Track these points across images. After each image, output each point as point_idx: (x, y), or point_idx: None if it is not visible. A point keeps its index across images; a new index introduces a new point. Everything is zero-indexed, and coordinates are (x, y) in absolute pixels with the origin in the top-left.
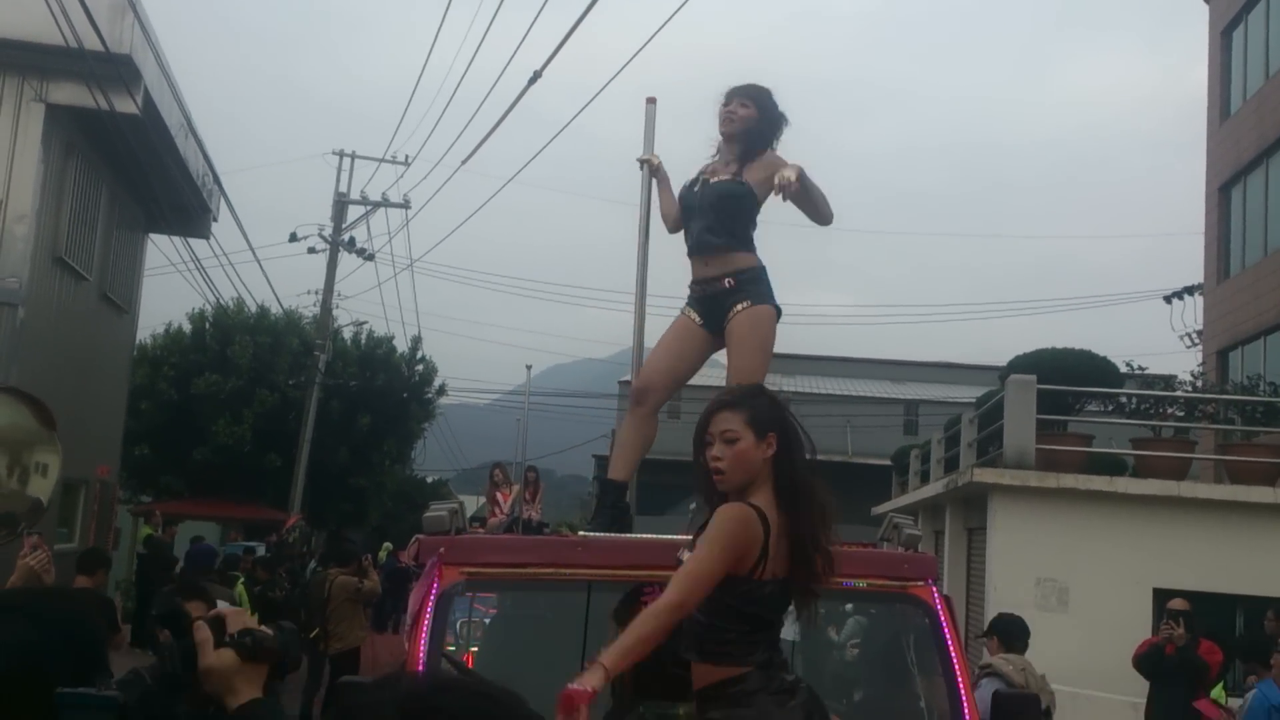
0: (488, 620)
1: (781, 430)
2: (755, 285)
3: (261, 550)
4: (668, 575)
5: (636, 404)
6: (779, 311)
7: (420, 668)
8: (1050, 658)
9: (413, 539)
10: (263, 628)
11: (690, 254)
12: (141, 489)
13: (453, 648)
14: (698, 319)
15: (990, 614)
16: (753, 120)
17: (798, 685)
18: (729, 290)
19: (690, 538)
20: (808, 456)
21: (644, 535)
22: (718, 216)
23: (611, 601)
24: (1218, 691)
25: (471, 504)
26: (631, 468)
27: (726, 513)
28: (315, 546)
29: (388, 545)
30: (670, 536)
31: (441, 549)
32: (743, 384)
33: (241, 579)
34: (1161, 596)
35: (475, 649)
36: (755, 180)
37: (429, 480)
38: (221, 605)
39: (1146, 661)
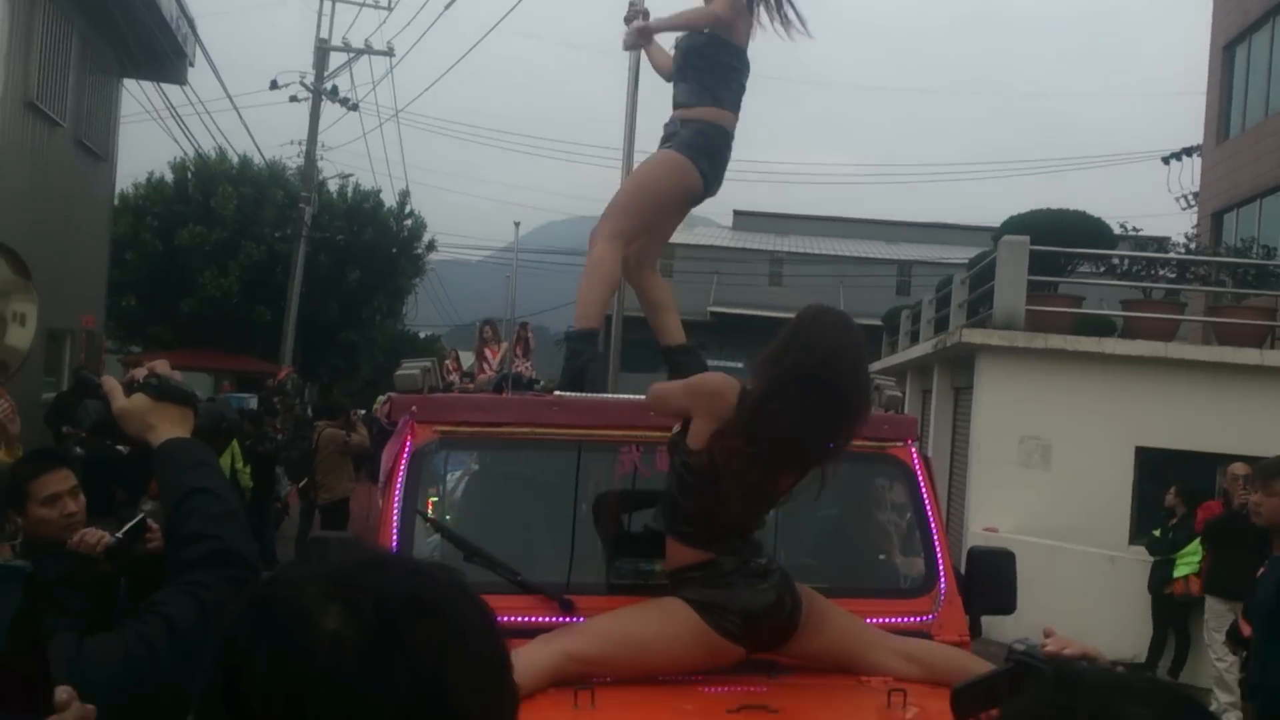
0: (462, 479)
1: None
2: (684, 134)
3: (253, 403)
4: (644, 434)
5: (616, 237)
6: (701, 171)
7: (394, 529)
8: (1031, 513)
9: (385, 397)
10: (181, 381)
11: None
12: (130, 339)
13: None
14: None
15: (975, 471)
16: None
17: (770, 568)
18: (664, 138)
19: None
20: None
21: (621, 395)
22: (683, 72)
23: (586, 461)
24: (1194, 547)
25: (467, 359)
26: (603, 310)
27: (704, 377)
28: (310, 398)
29: (381, 399)
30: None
31: (413, 407)
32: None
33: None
34: (1143, 455)
35: (449, 508)
36: (713, 16)
37: (422, 336)
38: (155, 362)
39: (1221, 528)
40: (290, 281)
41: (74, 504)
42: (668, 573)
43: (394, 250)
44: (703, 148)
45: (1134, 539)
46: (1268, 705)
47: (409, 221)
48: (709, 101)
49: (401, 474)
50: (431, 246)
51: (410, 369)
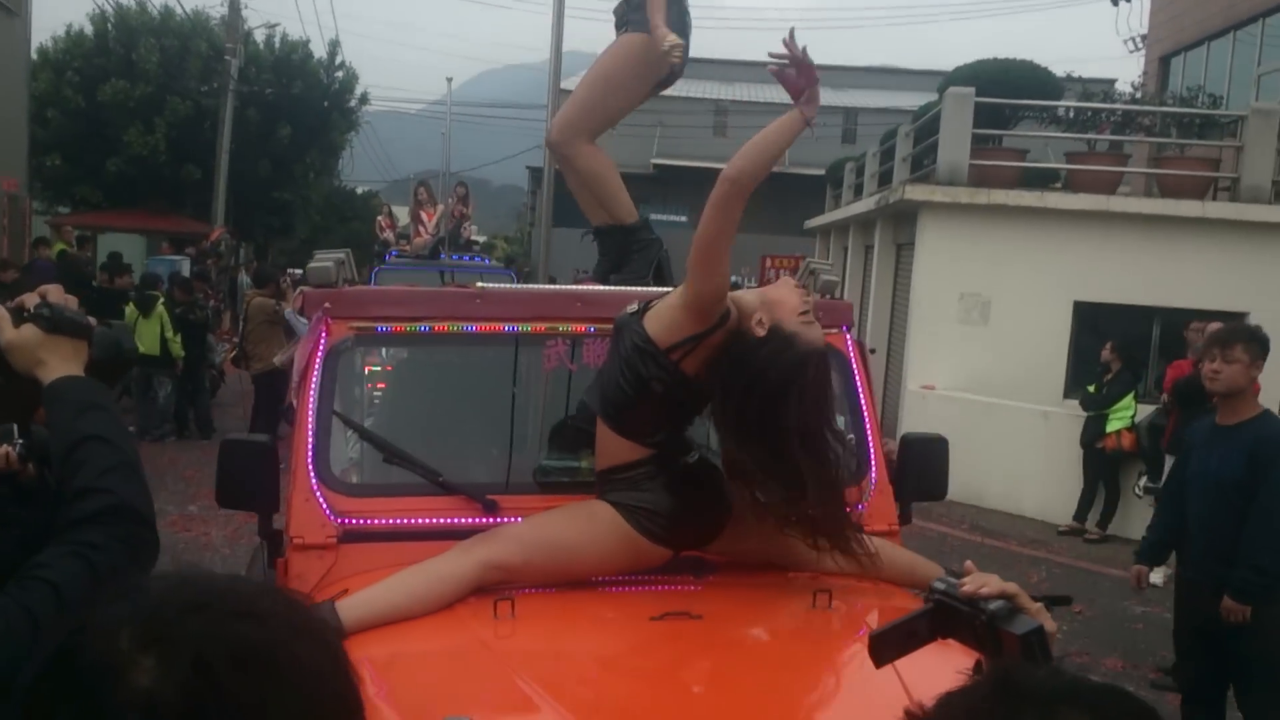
0: (380, 377)
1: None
2: (641, 13)
3: (187, 267)
4: (570, 327)
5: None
6: (671, 45)
7: (309, 431)
8: (969, 370)
9: (297, 291)
10: (76, 310)
11: None
12: (57, 200)
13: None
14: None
15: (914, 329)
16: None
17: (698, 467)
18: (619, 23)
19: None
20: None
21: (545, 286)
22: None
23: (510, 355)
24: (1127, 401)
25: (402, 214)
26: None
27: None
28: (243, 259)
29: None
30: (581, 288)
31: (327, 303)
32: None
33: (161, 299)
34: (1081, 309)
35: (368, 408)
36: None
37: (358, 191)
38: (47, 286)
39: (1190, 388)
40: (218, 138)
41: None
42: (597, 472)
43: (325, 104)
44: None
45: (1069, 393)
46: (1249, 583)
47: (340, 74)
48: None
49: (316, 373)
50: (364, 99)
51: (324, 260)
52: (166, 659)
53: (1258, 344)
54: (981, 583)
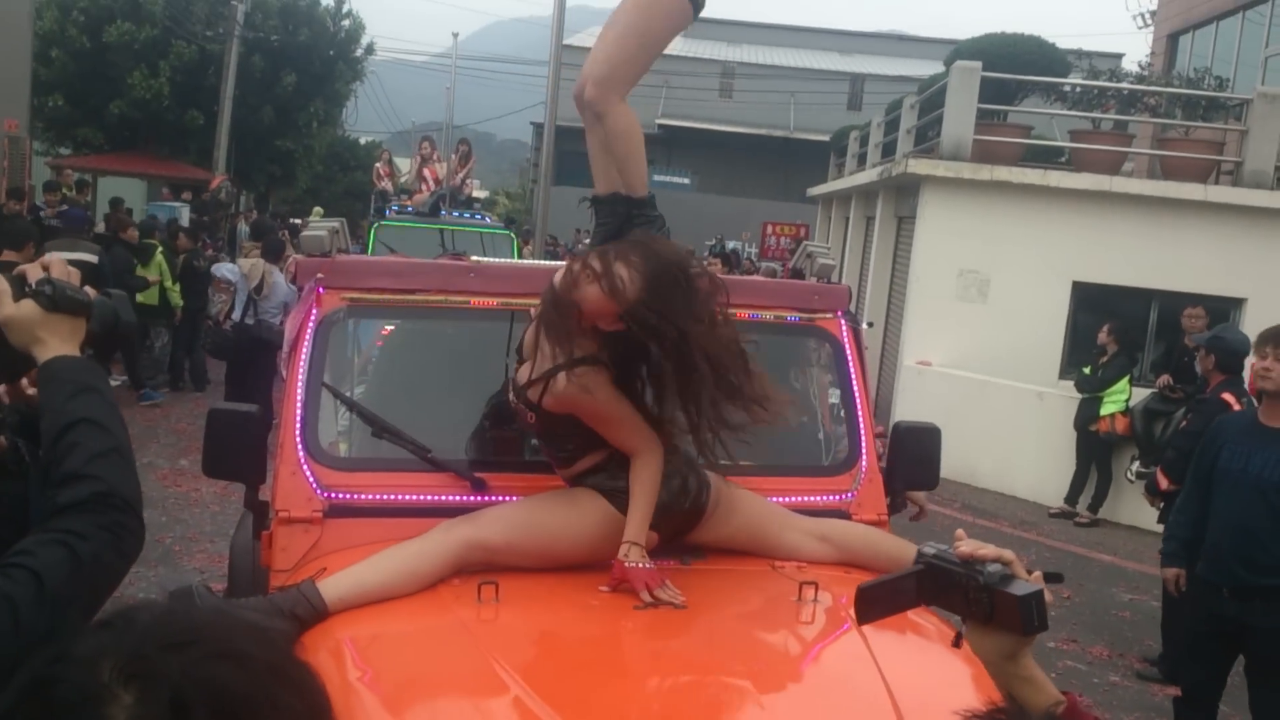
0: (372, 349)
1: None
2: None
3: (185, 215)
4: None
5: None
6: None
7: (298, 402)
8: (965, 347)
9: (289, 259)
10: (77, 286)
11: None
12: (59, 142)
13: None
14: None
15: (912, 304)
16: None
17: (672, 455)
18: None
19: None
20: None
21: (539, 263)
22: None
23: (503, 331)
24: (1122, 385)
25: (403, 164)
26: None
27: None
28: (244, 207)
29: (319, 210)
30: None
31: (320, 273)
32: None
33: (160, 248)
34: (1080, 289)
35: (358, 380)
36: None
37: (362, 141)
38: (51, 257)
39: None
40: (222, 84)
41: None
42: (568, 480)
43: (331, 53)
44: None
45: (1065, 374)
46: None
47: (346, 22)
48: None
49: (307, 343)
50: (370, 50)
51: (318, 229)
52: (145, 696)
53: None
54: (977, 547)
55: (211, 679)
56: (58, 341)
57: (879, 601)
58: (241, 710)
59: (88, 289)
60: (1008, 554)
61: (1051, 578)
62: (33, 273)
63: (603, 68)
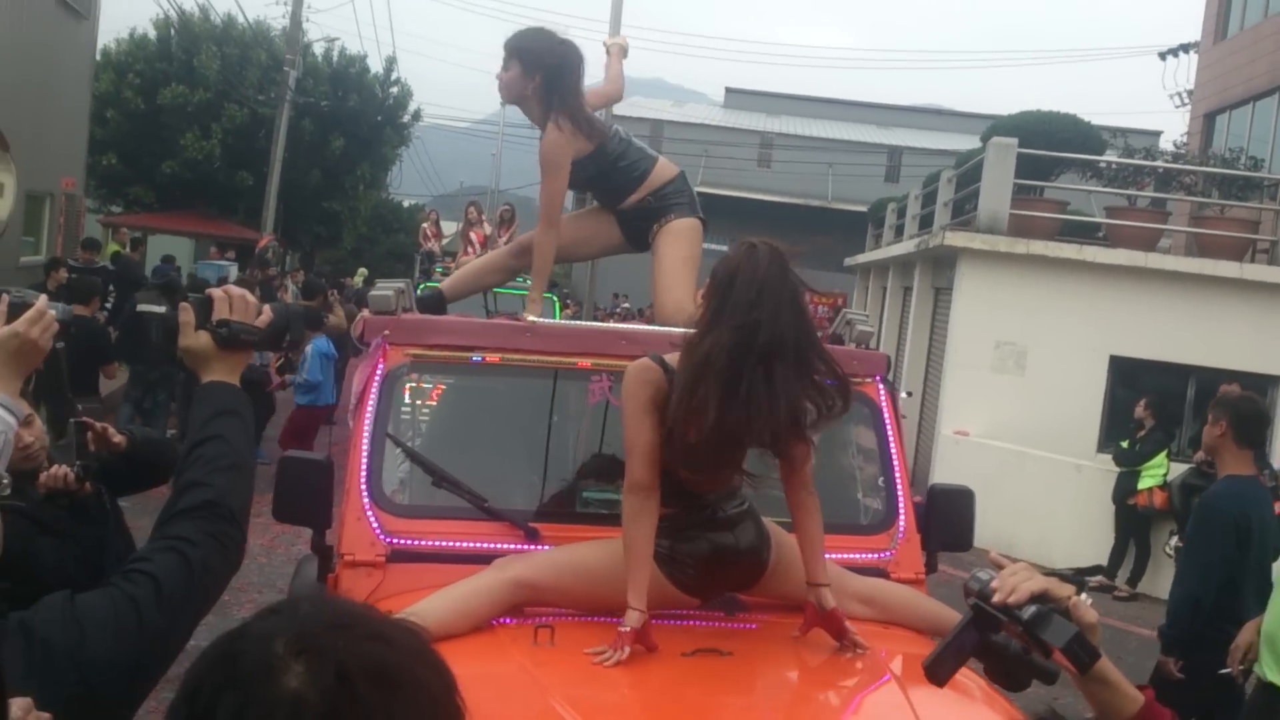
0: (435, 404)
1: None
2: (680, 196)
3: (234, 272)
4: (615, 363)
5: (519, 253)
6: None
7: (363, 453)
8: (1003, 418)
9: (358, 317)
10: (250, 321)
11: None
12: (110, 199)
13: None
14: (618, 230)
15: (949, 374)
16: (518, 82)
17: (740, 515)
18: (650, 208)
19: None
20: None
21: (593, 324)
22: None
23: (558, 387)
24: (1160, 460)
25: (448, 227)
26: (465, 292)
27: (627, 372)
28: (289, 267)
29: (363, 271)
30: (625, 327)
31: (387, 330)
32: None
33: None
34: (1117, 364)
35: (420, 433)
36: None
37: (405, 205)
38: (235, 289)
39: None
40: (273, 147)
41: (29, 435)
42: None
43: (379, 118)
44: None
45: (1103, 447)
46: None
47: (395, 89)
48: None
49: (373, 397)
50: (417, 116)
51: (384, 290)
52: (314, 667)
53: None
54: (1011, 588)
55: (368, 655)
56: (222, 370)
57: (947, 663)
58: (393, 682)
59: (266, 307)
60: (1040, 585)
61: (1088, 572)
62: (220, 301)
63: (679, 314)
